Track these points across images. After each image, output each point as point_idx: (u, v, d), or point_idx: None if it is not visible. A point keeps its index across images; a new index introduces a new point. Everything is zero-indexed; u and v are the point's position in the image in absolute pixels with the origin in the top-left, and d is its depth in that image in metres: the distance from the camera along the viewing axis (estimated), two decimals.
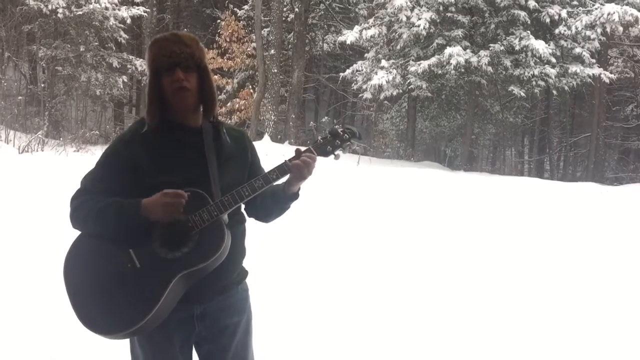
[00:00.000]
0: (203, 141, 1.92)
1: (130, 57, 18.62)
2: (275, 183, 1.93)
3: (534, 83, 16.62)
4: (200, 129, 1.94)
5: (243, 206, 2.02)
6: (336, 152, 1.97)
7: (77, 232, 1.93)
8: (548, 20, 16.57)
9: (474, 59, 15.96)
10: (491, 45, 16.46)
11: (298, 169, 1.90)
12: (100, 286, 1.84)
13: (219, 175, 1.91)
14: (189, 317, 1.93)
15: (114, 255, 1.84)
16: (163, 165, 1.87)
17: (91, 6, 15.72)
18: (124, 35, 17.34)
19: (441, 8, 16.33)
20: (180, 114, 1.91)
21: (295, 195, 2.01)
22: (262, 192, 1.93)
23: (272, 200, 2.01)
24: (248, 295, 2.09)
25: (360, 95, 18.95)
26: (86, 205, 1.86)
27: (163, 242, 1.83)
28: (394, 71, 17.03)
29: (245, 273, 2.08)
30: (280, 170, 1.92)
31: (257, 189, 1.88)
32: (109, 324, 1.83)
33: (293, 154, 1.96)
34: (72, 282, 1.89)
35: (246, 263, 2.09)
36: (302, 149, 1.96)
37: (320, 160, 1.96)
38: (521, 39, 16.15)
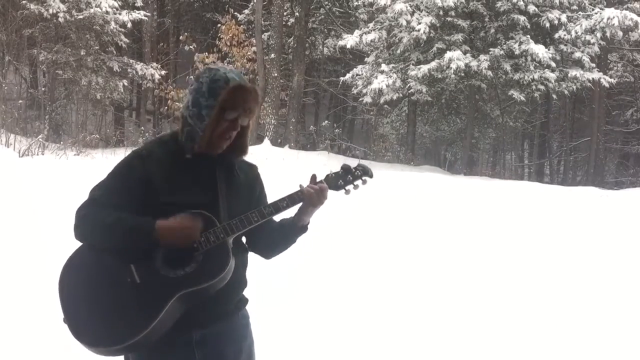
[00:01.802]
0: (216, 169, 1.93)
1: (131, 61, 18.64)
2: (284, 211, 1.93)
3: (533, 87, 16.64)
4: (215, 157, 1.93)
5: (245, 239, 2.03)
6: (347, 188, 2.00)
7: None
8: (548, 24, 16.59)
9: (473, 63, 15.98)
10: (491, 49, 16.49)
11: (310, 196, 1.92)
12: (96, 297, 1.82)
13: (228, 206, 1.91)
14: (189, 343, 1.88)
15: (113, 267, 1.82)
16: (175, 186, 1.86)
17: (92, 10, 15.73)
18: (125, 39, 17.35)
19: (441, 12, 16.36)
20: (211, 148, 1.90)
21: (304, 229, 2.02)
22: (268, 225, 1.95)
23: (279, 233, 2.00)
24: (249, 322, 2.06)
25: (360, 99, 18.96)
26: (94, 217, 1.83)
27: (165, 260, 1.81)
28: (394, 75, 17.05)
29: (245, 301, 2.06)
30: (291, 199, 1.92)
31: (266, 216, 1.89)
32: (99, 337, 1.79)
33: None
34: (66, 290, 1.86)
35: (246, 290, 2.07)
36: (317, 178, 1.97)
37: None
38: (521, 43, 16.17)
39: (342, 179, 2.00)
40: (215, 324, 1.92)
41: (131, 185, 1.85)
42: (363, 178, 2.02)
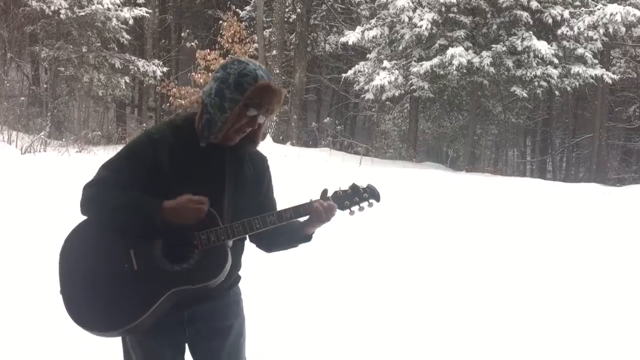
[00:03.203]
0: (225, 161, 1.92)
1: (133, 57, 18.62)
2: (286, 222, 1.92)
3: (536, 84, 16.60)
4: (226, 148, 1.92)
5: None
6: (352, 209, 1.99)
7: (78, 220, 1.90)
8: (550, 20, 16.54)
9: (476, 60, 15.95)
10: (493, 45, 16.45)
11: (317, 212, 1.92)
12: (92, 278, 1.83)
13: (233, 198, 1.91)
14: (179, 322, 1.92)
15: (113, 252, 1.82)
16: (183, 176, 1.85)
17: (93, 7, 15.73)
18: (126, 36, 17.34)
19: (443, 9, 16.32)
20: (225, 140, 1.89)
21: (309, 238, 2.02)
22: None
23: (282, 234, 1.99)
24: (241, 299, 2.07)
25: (362, 96, 18.96)
26: (102, 195, 1.83)
27: (165, 252, 1.82)
28: (396, 72, 17.03)
29: (238, 278, 2.06)
30: (296, 211, 1.92)
31: (269, 224, 1.89)
32: (95, 321, 1.82)
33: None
34: (66, 265, 1.87)
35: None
36: (328, 194, 1.97)
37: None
38: (523, 39, 16.14)
39: (348, 199, 1.99)
40: (206, 302, 1.93)
41: (140, 170, 1.84)
42: (370, 201, 2.01)
